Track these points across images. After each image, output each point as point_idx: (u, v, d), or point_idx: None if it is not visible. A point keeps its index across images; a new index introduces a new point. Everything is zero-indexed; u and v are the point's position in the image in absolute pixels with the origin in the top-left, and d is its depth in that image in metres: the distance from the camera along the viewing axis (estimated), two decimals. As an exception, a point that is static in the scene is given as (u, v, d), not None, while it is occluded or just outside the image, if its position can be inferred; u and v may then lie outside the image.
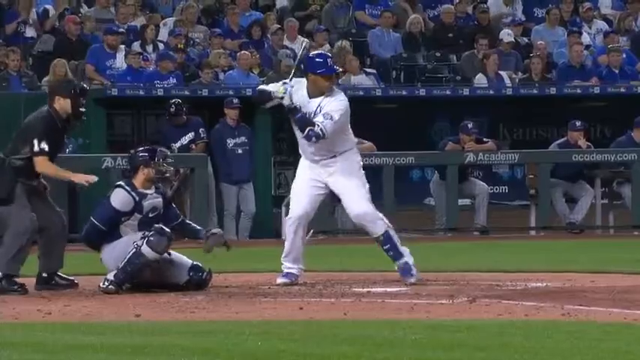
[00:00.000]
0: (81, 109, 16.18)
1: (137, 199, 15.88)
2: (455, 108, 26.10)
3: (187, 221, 16.96)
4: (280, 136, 26.28)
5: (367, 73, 26.86)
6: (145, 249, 15.56)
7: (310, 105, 16.43)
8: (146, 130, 26.01)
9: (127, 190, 15.91)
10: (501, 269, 17.78)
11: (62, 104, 16.10)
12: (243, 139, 24.66)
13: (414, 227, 24.52)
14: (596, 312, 13.72)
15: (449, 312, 13.93)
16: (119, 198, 15.89)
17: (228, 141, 24.20)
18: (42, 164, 16.02)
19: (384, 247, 16.35)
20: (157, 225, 15.70)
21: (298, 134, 16.38)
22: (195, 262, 16.00)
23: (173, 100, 24.65)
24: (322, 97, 16.48)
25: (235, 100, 24.59)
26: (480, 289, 15.70)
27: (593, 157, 25.11)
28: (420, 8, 28.54)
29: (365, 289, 15.86)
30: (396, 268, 16.37)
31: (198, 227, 16.54)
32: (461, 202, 25.15)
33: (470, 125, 25.00)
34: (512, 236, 24.80)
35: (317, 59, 16.76)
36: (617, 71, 27.10)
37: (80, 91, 16.33)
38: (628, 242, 23.69)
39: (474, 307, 14.25)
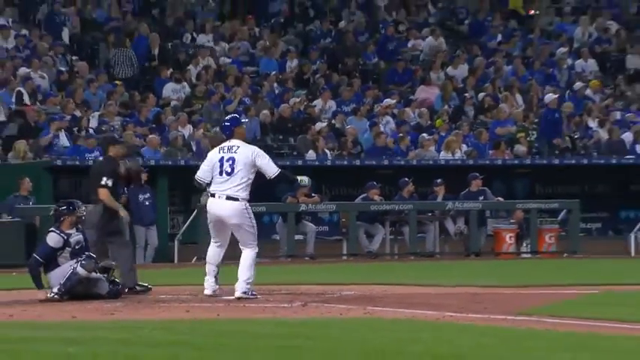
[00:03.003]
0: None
1: (65, 238, 15.81)
2: (295, 174, 26.15)
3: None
4: (173, 192, 26.27)
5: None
6: (79, 269, 15.57)
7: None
8: (81, 189, 25.80)
9: (57, 232, 15.86)
10: (324, 283, 17.79)
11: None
12: (148, 195, 24.61)
13: (265, 255, 24.50)
14: (387, 311, 13.83)
15: (289, 312, 13.98)
16: (52, 239, 15.82)
17: (139, 196, 24.04)
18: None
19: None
20: (87, 253, 15.71)
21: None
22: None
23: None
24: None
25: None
26: (310, 297, 15.72)
27: (383, 207, 25.47)
28: (269, 103, 28.71)
29: (231, 297, 15.44)
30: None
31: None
32: (297, 237, 25.31)
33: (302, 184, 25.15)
34: (331, 260, 24.87)
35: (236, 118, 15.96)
36: (404, 149, 27.45)
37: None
38: (407, 265, 23.99)
39: (306, 309, 14.30)
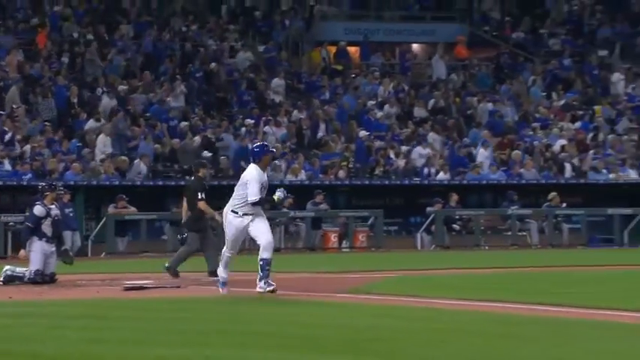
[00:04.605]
0: None
1: (47, 209, 15.52)
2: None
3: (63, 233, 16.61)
4: (87, 204, 25.80)
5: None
6: (26, 277, 15.26)
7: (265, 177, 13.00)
8: (18, 202, 25.08)
9: (41, 204, 15.60)
10: (202, 271, 17.26)
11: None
12: (71, 208, 24.06)
13: (155, 250, 24.21)
14: (248, 291, 13.68)
15: (179, 292, 13.87)
16: (38, 210, 15.59)
17: (66, 210, 22.87)
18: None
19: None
20: (38, 269, 15.17)
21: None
22: (52, 272, 15.54)
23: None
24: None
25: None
26: (193, 281, 15.60)
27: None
28: (162, 138, 28.27)
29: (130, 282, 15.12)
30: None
31: (64, 244, 16.19)
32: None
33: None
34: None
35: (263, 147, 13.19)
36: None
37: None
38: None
39: (189, 289, 14.22)
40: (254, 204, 12.70)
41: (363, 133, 29.15)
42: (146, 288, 14.28)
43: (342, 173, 28.04)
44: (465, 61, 34.40)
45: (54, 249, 15.51)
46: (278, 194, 12.93)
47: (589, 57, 34.48)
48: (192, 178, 16.80)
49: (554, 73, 33.84)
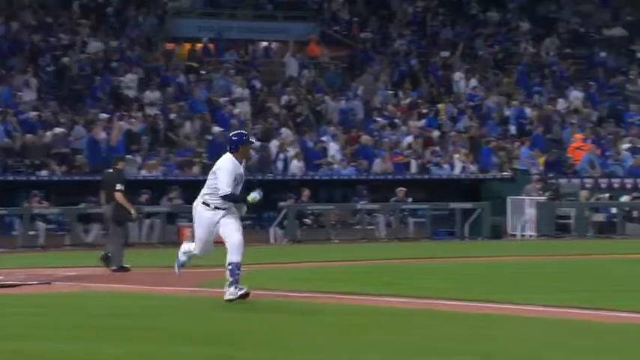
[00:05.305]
0: None
1: None
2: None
3: None
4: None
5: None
6: None
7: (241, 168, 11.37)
8: None
9: None
10: (54, 266, 16.99)
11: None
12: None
13: (5, 246, 23.27)
14: (99, 286, 13.45)
15: (45, 288, 13.43)
16: None
17: None
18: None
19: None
20: None
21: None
22: None
23: None
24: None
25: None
26: (54, 278, 14.83)
27: (97, 210, 24.65)
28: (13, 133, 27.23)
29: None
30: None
31: None
32: (31, 232, 23.96)
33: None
34: (58, 250, 23.74)
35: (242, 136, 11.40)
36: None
37: None
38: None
39: (51, 287, 13.73)
40: (224, 197, 11.06)
41: (216, 129, 28.88)
42: (18, 285, 13.78)
43: (196, 169, 27.69)
44: (316, 59, 34.64)
45: None
46: (253, 195, 11.28)
47: (433, 57, 35.34)
48: (111, 170, 16.31)
49: (401, 71, 34.54)
